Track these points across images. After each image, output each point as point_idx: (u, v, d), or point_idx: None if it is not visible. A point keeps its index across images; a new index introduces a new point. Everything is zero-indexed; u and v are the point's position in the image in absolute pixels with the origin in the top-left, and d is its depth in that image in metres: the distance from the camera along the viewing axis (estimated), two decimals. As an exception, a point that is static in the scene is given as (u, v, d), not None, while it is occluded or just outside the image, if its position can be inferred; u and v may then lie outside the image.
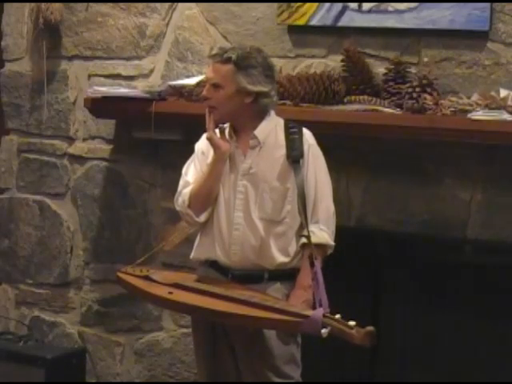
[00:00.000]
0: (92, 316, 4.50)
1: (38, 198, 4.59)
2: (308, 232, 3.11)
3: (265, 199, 3.21)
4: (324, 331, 2.86)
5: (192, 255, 3.37)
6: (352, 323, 2.83)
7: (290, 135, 3.22)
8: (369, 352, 3.86)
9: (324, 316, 2.89)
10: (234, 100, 3.19)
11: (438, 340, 3.85)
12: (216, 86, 3.20)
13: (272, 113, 3.28)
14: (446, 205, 3.74)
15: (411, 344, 3.88)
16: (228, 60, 3.17)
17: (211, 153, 3.28)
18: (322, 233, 3.18)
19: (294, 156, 3.19)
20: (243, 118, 3.23)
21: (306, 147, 3.22)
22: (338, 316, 2.88)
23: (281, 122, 3.29)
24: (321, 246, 3.17)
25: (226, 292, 3.08)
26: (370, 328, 2.79)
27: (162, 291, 3.16)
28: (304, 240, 3.18)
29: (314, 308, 2.98)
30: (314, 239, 3.12)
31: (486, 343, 3.77)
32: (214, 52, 3.23)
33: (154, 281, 3.24)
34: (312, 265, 3.05)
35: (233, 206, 3.23)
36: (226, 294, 3.06)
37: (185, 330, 4.23)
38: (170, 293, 3.14)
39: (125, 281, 3.32)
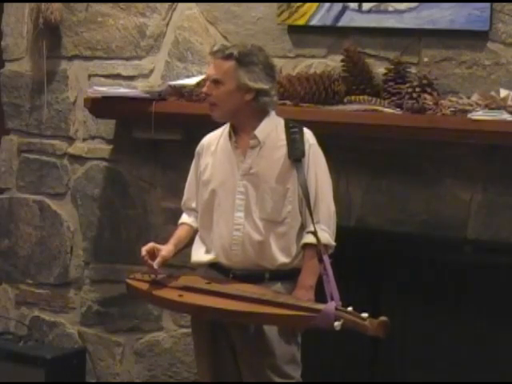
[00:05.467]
0: (92, 316, 4.50)
1: (38, 198, 4.59)
2: (315, 228, 3.10)
3: (265, 199, 3.21)
4: (337, 324, 2.86)
5: (192, 259, 3.36)
6: (365, 315, 2.84)
7: (291, 135, 3.22)
8: (369, 352, 3.89)
9: (336, 309, 2.90)
10: (234, 96, 3.19)
11: (438, 340, 3.85)
12: (217, 83, 3.20)
13: (272, 113, 3.28)
14: (445, 205, 3.74)
15: (411, 344, 3.88)
16: (230, 56, 3.18)
17: (204, 153, 3.35)
18: (323, 233, 3.17)
19: (296, 155, 3.18)
20: (243, 116, 3.23)
21: (306, 147, 3.21)
22: (350, 308, 2.89)
23: (281, 122, 3.28)
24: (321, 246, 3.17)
25: (237, 291, 3.08)
26: (383, 318, 2.80)
27: (171, 294, 3.16)
28: (305, 240, 3.18)
29: (325, 302, 2.98)
30: (314, 239, 3.11)
31: (485, 343, 3.77)
32: (215, 49, 3.24)
33: (163, 285, 3.23)
34: (321, 260, 3.05)
35: (233, 207, 3.23)
36: (237, 294, 3.06)
37: (185, 330, 4.23)
38: (181, 295, 3.14)
39: (133, 286, 3.31)
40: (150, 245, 3.28)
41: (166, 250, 3.28)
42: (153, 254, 3.25)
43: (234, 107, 3.21)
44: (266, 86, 3.20)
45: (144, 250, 3.26)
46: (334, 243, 3.22)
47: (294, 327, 3.17)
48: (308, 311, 2.95)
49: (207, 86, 3.25)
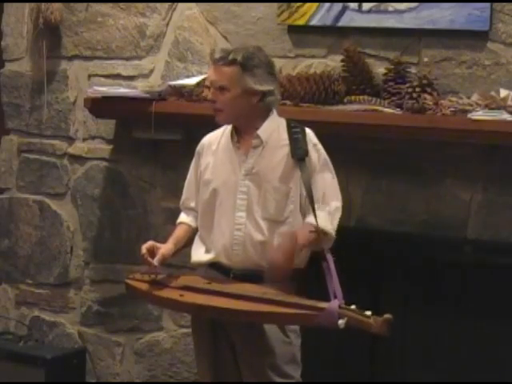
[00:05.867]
0: (92, 316, 4.50)
1: (38, 198, 4.59)
2: (317, 222, 3.09)
3: (268, 199, 3.20)
4: (341, 322, 2.86)
5: (193, 258, 3.36)
6: (368, 313, 2.84)
7: (294, 134, 3.22)
8: (368, 352, 3.89)
9: (340, 307, 2.90)
10: (240, 101, 3.18)
11: (438, 340, 3.85)
12: (222, 89, 3.18)
13: (274, 113, 3.28)
14: (445, 205, 3.74)
15: (411, 344, 3.88)
16: (233, 62, 3.16)
17: (204, 152, 3.34)
18: (325, 220, 3.15)
19: (299, 154, 3.18)
20: (249, 118, 3.22)
21: (310, 146, 3.22)
22: (353, 306, 2.90)
23: (283, 122, 3.29)
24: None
25: (238, 290, 3.08)
26: (388, 316, 2.81)
27: (172, 294, 3.16)
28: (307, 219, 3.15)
29: (328, 301, 2.98)
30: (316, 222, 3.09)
31: (485, 343, 3.77)
32: (217, 55, 3.20)
33: (164, 284, 3.23)
34: (324, 258, 3.05)
35: (234, 207, 3.23)
36: (239, 293, 3.06)
37: (185, 330, 4.23)
38: (181, 295, 3.14)
39: (133, 287, 3.30)
40: (150, 243, 3.28)
41: (165, 248, 3.28)
42: (152, 252, 3.25)
43: (241, 111, 3.20)
44: (270, 87, 3.21)
45: (144, 247, 3.26)
46: (333, 234, 3.18)
47: (297, 325, 3.17)
48: (311, 309, 2.95)
49: (212, 92, 3.23)
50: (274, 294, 3.06)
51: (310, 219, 3.13)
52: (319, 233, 3.08)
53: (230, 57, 3.17)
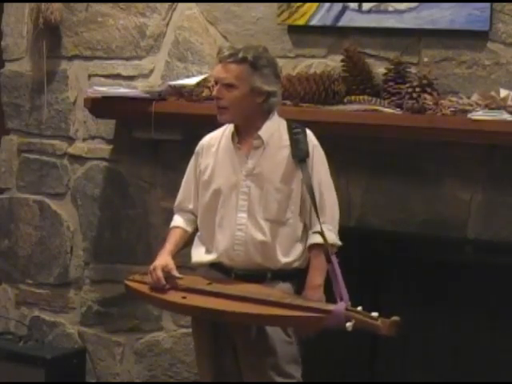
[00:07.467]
0: (92, 316, 4.50)
1: (38, 198, 4.59)
2: (322, 228, 3.10)
3: (269, 200, 3.21)
4: (348, 325, 2.87)
5: (193, 259, 3.35)
6: (375, 314, 2.85)
7: (295, 135, 3.22)
8: (369, 351, 3.89)
9: (346, 309, 2.91)
10: (246, 100, 3.18)
11: (438, 340, 3.85)
12: (229, 86, 3.18)
13: (275, 113, 3.28)
14: (445, 205, 3.74)
15: (411, 344, 3.88)
16: (243, 60, 3.16)
17: (204, 153, 3.33)
18: (330, 233, 3.18)
19: (300, 155, 3.18)
20: (251, 118, 3.23)
21: (310, 147, 3.22)
22: (359, 308, 2.90)
23: (284, 122, 3.29)
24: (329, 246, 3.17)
25: (241, 292, 3.07)
26: (396, 318, 2.83)
27: (174, 296, 3.15)
28: (313, 240, 3.17)
29: (335, 302, 2.99)
30: (321, 239, 3.11)
31: (486, 343, 3.77)
32: (226, 53, 3.20)
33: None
34: (329, 260, 3.05)
35: (236, 207, 3.23)
36: (242, 295, 3.05)
37: (185, 330, 4.23)
38: (184, 297, 3.13)
39: (133, 289, 3.30)
40: (160, 269, 3.22)
41: (173, 267, 3.25)
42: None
43: (246, 110, 3.20)
44: (275, 88, 3.22)
45: (162, 279, 3.21)
46: (340, 243, 3.23)
47: (305, 328, 3.17)
48: (317, 312, 2.95)
49: (217, 89, 3.22)
50: (278, 297, 3.05)
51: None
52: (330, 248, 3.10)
53: (240, 55, 3.17)
